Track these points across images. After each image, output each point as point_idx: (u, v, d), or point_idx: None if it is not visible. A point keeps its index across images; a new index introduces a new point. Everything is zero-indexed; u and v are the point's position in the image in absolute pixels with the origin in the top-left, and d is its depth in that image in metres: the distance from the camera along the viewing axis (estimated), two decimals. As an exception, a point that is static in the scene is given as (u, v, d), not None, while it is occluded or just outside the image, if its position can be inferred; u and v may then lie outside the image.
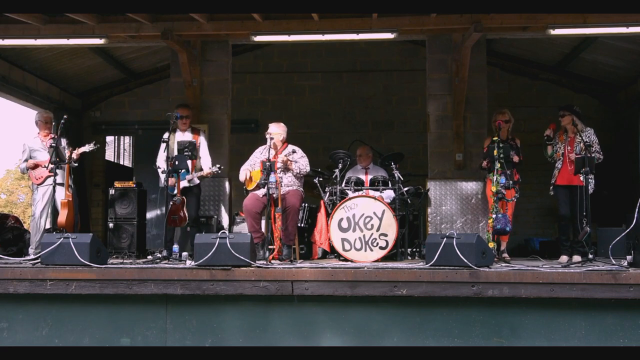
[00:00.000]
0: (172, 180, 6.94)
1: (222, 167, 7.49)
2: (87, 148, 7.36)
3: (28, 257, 6.94)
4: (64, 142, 7.50)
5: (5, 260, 6.63)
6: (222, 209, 8.60)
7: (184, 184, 7.20)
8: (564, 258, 6.92)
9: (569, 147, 6.99)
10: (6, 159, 65.95)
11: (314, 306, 5.71)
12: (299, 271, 5.73)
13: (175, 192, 6.95)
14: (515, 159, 6.99)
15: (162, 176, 7.05)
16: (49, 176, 7.14)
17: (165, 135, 7.08)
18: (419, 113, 10.38)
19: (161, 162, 7.17)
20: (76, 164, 7.44)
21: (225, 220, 8.55)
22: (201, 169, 7.40)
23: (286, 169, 6.95)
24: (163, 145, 7.10)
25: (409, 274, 5.65)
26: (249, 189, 7.12)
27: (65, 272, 5.87)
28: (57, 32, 7.95)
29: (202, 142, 7.53)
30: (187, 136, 7.43)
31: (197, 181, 7.40)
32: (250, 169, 7.17)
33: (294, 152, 7.02)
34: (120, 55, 10.60)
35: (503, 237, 6.95)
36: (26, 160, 7.54)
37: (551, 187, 7.12)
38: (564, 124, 7.09)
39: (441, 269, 5.68)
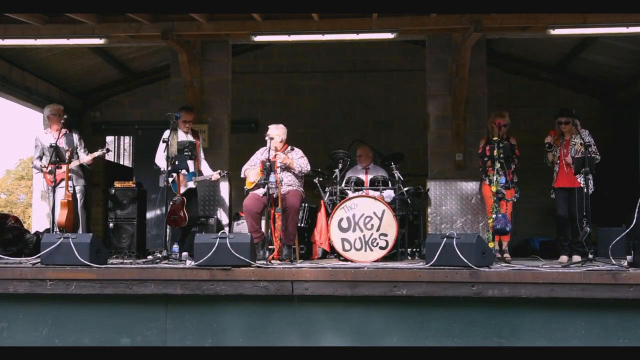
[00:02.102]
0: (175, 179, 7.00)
1: (229, 173, 7.61)
2: (99, 153, 7.38)
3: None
4: (76, 137, 7.53)
5: (5, 260, 6.63)
6: (222, 209, 8.60)
7: (190, 184, 7.28)
8: (563, 258, 6.92)
9: (565, 150, 6.99)
10: (6, 159, 65.96)
11: (314, 306, 5.71)
12: (299, 271, 5.73)
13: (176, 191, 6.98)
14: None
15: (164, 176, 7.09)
16: (62, 179, 7.20)
17: (166, 135, 7.09)
18: (419, 113, 10.38)
19: (161, 161, 7.19)
20: (89, 167, 7.52)
21: (225, 220, 8.55)
22: (201, 173, 7.48)
23: (286, 167, 6.95)
24: (163, 145, 7.12)
25: (409, 274, 5.65)
26: (248, 188, 7.13)
27: (65, 272, 5.87)
28: (57, 32, 7.95)
29: (200, 146, 7.63)
30: (188, 138, 7.48)
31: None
32: (251, 169, 7.18)
33: (292, 149, 7.05)
34: (120, 55, 10.60)
35: (504, 237, 6.95)
36: (40, 158, 7.51)
37: (552, 191, 7.13)
38: (565, 130, 7.03)
39: (441, 269, 5.68)
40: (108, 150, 7.43)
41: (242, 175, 7.25)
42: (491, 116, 7.36)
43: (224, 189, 8.63)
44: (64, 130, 7.46)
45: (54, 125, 7.58)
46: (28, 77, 10.16)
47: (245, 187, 7.20)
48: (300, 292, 5.64)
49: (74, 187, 7.34)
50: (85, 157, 7.44)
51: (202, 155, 7.71)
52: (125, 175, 11.79)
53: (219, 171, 7.48)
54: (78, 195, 7.44)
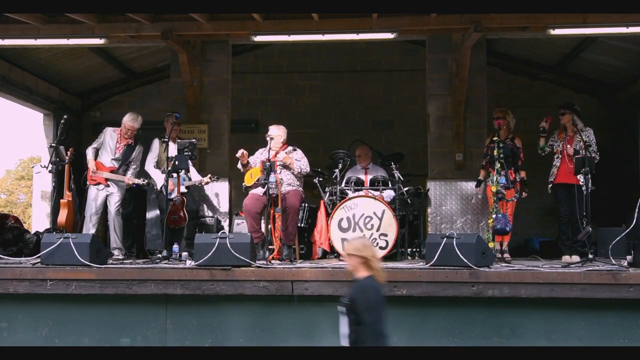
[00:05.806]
0: (171, 183, 6.99)
1: (219, 178, 7.75)
2: (140, 182, 7.30)
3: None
4: (135, 153, 7.45)
5: (5, 260, 6.63)
6: (222, 209, 8.59)
7: (182, 188, 7.28)
8: (567, 258, 6.87)
9: (568, 145, 7.01)
10: (6, 159, 65.98)
11: (314, 306, 5.71)
12: (299, 271, 5.74)
13: (175, 193, 6.98)
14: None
15: (162, 176, 7.09)
16: (99, 183, 7.17)
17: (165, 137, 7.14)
18: (419, 113, 10.37)
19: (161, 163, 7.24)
20: (127, 187, 7.39)
21: (225, 220, 8.55)
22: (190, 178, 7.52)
23: (286, 166, 6.95)
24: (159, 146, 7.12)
25: (409, 274, 5.66)
26: (248, 185, 7.12)
27: (65, 272, 5.88)
28: (57, 32, 7.94)
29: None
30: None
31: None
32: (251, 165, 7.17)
33: (294, 150, 7.06)
34: (120, 55, 10.59)
35: (504, 237, 6.94)
36: (95, 149, 7.35)
37: (550, 186, 7.13)
38: (563, 122, 7.11)
39: (441, 269, 5.68)
40: (149, 184, 7.41)
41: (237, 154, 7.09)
42: (494, 114, 7.38)
43: (224, 189, 8.63)
44: (129, 140, 7.42)
45: (122, 134, 7.43)
46: (28, 77, 10.15)
47: (244, 183, 7.18)
48: (300, 292, 5.64)
49: (110, 193, 7.27)
50: (125, 177, 7.27)
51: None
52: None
53: (209, 175, 7.52)
54: (113, 201, 7.27)
